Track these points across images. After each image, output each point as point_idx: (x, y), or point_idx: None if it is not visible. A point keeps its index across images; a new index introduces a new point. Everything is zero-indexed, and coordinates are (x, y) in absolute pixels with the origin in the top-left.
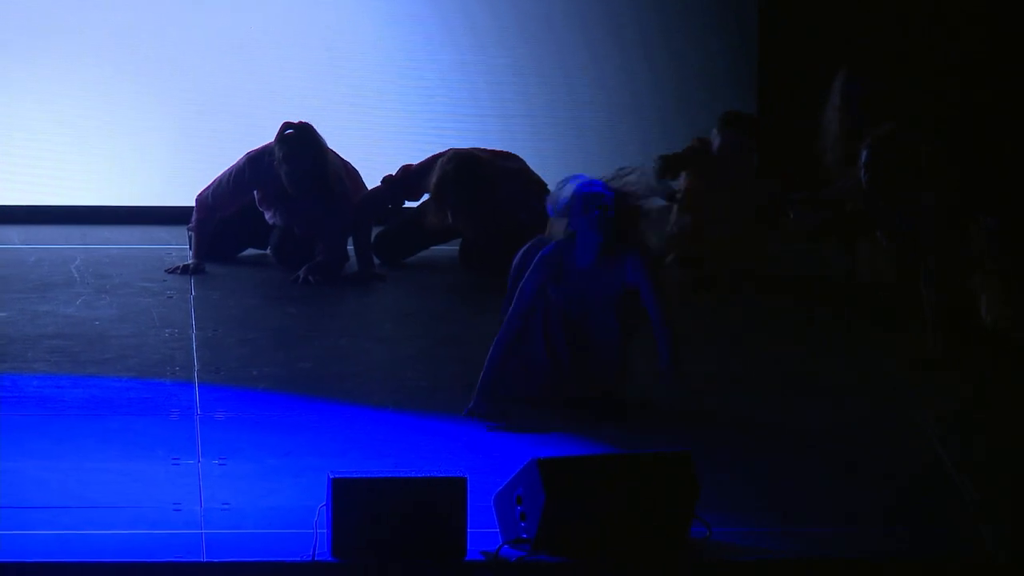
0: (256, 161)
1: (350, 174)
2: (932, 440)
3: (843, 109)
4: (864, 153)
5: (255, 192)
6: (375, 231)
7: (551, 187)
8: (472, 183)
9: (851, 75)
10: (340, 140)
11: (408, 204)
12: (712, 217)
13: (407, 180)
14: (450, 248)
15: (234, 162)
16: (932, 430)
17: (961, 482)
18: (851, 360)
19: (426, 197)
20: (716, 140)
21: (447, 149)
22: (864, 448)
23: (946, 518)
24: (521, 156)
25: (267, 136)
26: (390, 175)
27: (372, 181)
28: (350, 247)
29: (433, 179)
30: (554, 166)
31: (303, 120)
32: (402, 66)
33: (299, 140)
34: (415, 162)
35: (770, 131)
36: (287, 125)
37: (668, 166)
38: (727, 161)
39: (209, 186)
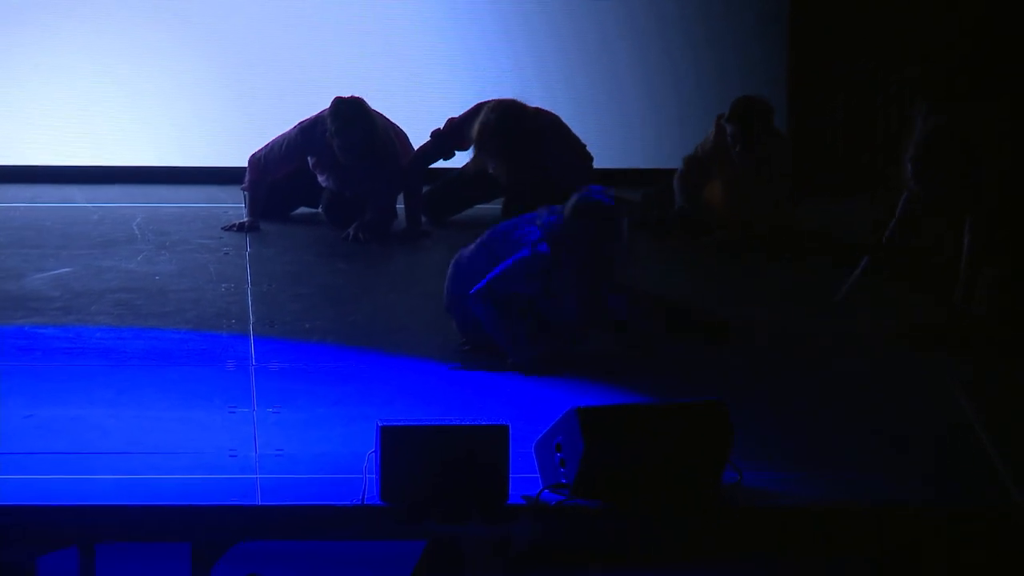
0: (308, 132)
1: (399, 136)
2: (958, 392)
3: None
4: (913, 160)
5: (308, 158)
6: (423, 189)
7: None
8: (513, 131)
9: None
10: (389, 104)
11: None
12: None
13: (453, 131)
14: (493, 207)
15: (288, 129)
16: (959, 383)
17: (987, 432)
18: (884, 317)
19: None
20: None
21: (489, 101)
22: (891, 398)
23: (973, 467)
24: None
25: (318, 98)
26: (437, 129)
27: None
28: (399, 205)
29: (475, 126)
30: (596, 145)
31: (354, 94)
32: (447, 29)
33: (350, 114)
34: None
35: (802, 124)
36: (338, 99)
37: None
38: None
39: (262, 149)
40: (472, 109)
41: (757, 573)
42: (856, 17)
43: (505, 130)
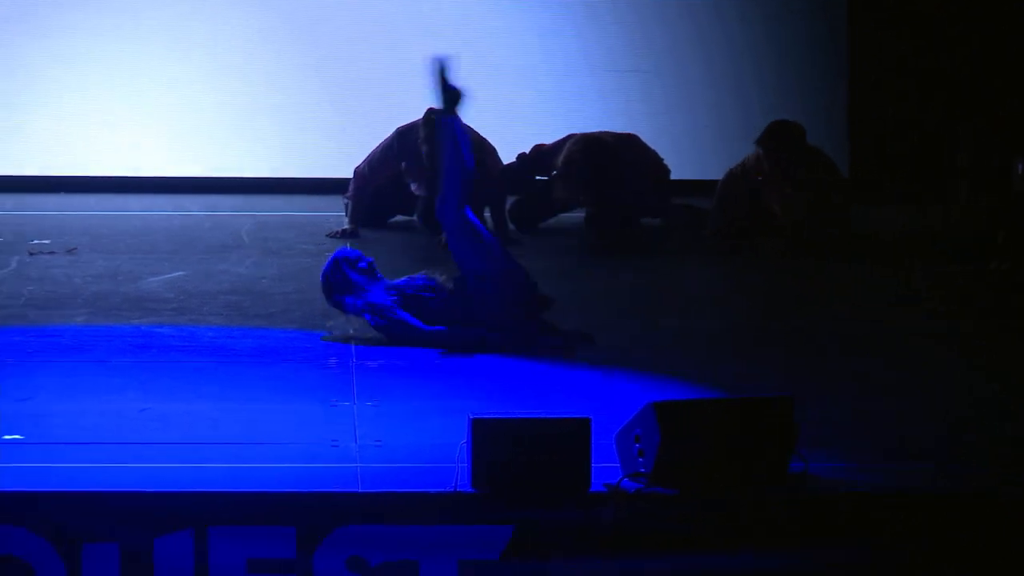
0: (404, 136)
1: (488, 150)
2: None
3: None
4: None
5: (402, 163)
6: (510, 200)
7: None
8: (595, 165)
9: None
10: (480, 120)
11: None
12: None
13: (539, 158)
14: (576, 216)
15: (388, 135)
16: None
17: None
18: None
19: (555, 173)
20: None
21: (575, 133)
22: (949, 391)
23: None
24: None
25: (416, 114)
26: (524, 153)
27: (507, 157)
28: (486, 214)
29: (561, 159)
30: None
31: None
32: (537, 52)
33: (438, 124)
34: (547, 142)
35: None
36: (431, 109)
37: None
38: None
39: (364, 160)
40: (558, 141)
41: (822, 556)
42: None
43: (588, 163)
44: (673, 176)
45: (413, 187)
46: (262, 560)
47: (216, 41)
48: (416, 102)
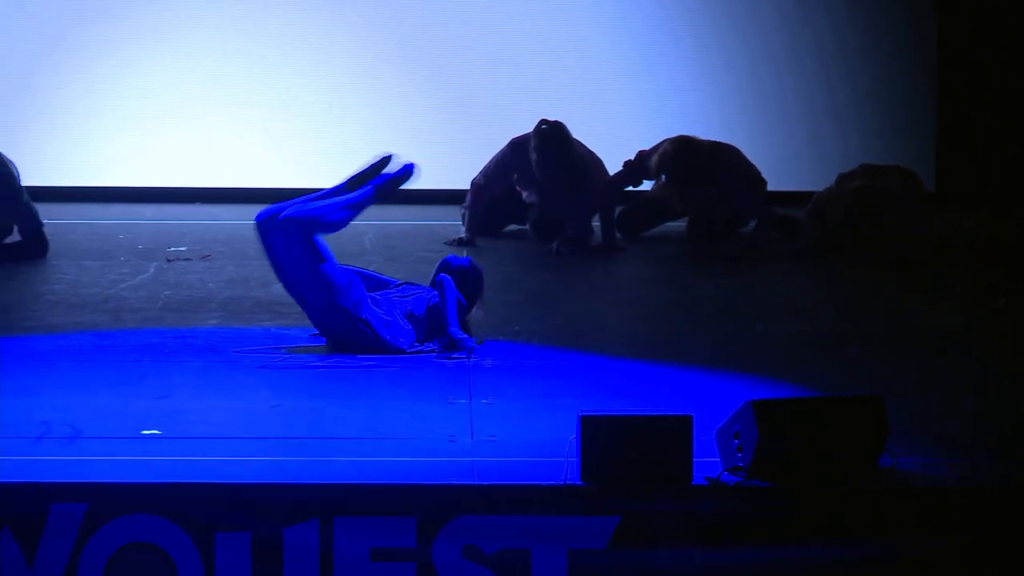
0: (518, 147)
1: (595, 162)
2: None
3: None
4: None
5: (515, 174)
6: (617, 209)
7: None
8: (687, 163)
9: None
10: (587, 134)
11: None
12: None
13: (641, 162)
14: (679, 224)
15: (502, 147)
16: None
17: None
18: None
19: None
20: None
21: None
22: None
23: None
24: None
25: (526, 129)
26: (629, 159)
27: (613, 168)
28: (596, 223)
29: (655, 157)
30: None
31: (557, 119)
32: (639, 65)
33: (549, 135)
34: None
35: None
36: (543, 121)
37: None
38: None
39: (481, 171)
40: (657, 144)
41: (910, 548)
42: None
43: (678, 161)
44: (770, 187)
45: (525, 196)
46: (383, 549)
47: (337, 54)
48: (528, 114)
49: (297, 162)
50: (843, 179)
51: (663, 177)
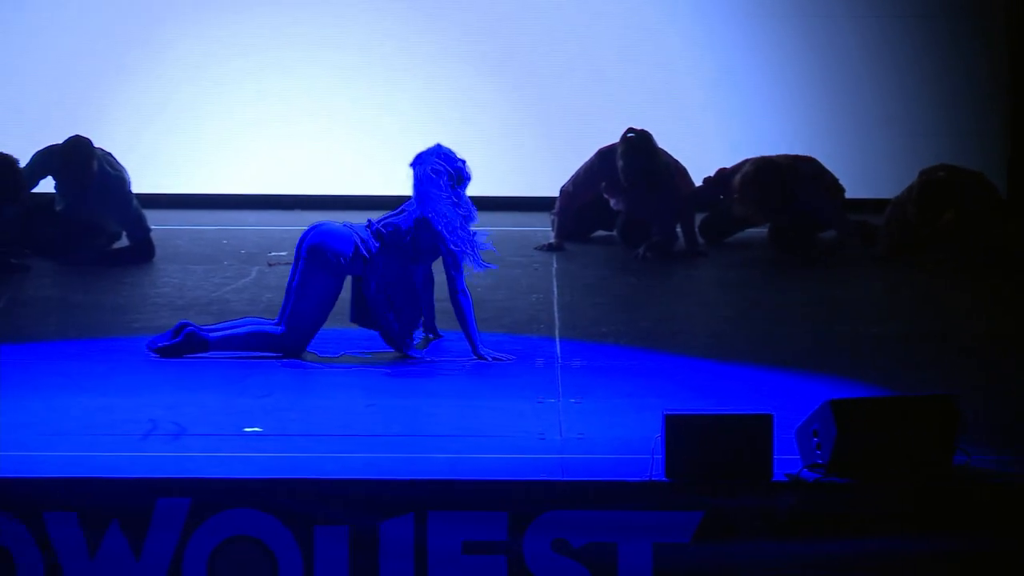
0: (605, 156)
1: (679, 171)
2: None
3: None
4: None
5: (603, 182)
6: (699, 217)
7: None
8: (767, 185)
9: None
10: (669, 143)
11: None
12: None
13: (721, 180)
14: (759, 231)
15: (590, 156)
16: None
17: None
18: None
19: (734, 196)
20: None
21: (751, 157)
22: None
23: None
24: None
25: (612, 138)
26: (709, 176)
27: (696, 177)
28: (679, 230)
29: (736, 180)
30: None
31: (643, 128)
32: (719, 77)
33: (635, 143)
34: (728, 166)
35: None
36: (630, 130)
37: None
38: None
39: (570, 179)
40: (738, 164)
41: (982, 543)
42: None
43: (758, 184)
44: (848, 194)
45: (612, 203)
46: (476, 542)
47: (431, 66)
48: (614, 124)
49: (389, 169)
50: (921, 173)
51: (746, 199)
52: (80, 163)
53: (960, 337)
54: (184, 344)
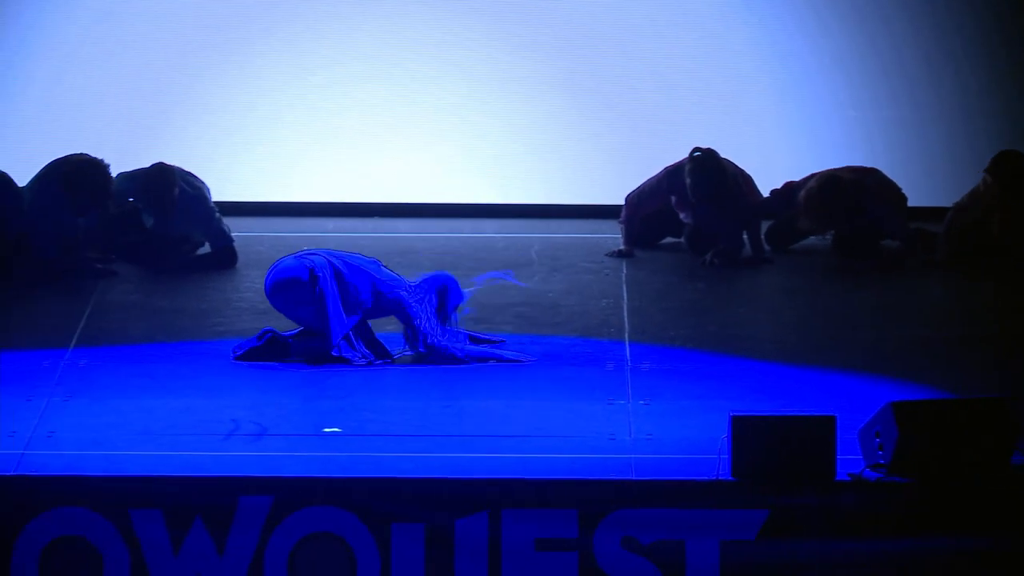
0: (673, 175)
1: (746, 181)
2: None
3: None
4: None
5: (672, 197)
6: (765, 225)
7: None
8: (832, 200)
9: None
10: (738, 154)
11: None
12: None
13: (788, 194)
14: (823, 239)
15: (658, 172)
16: None
17: None
18: None
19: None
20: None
21: (816, 172)
22: None
23: None
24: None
25: (681, 147)
26: (776, 189)
27: (762, 187)
28: (745, 237)
29: (801, 195)
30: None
31: (708, 135)
32: (787, 89)
33: (702, 161)
34: (795, 179)
35: None
36: (696, 149)
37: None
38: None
39: (636, 189)
40: (804, 178)
41: None
42: None
43: (823, 199)
44: (910, 203)
45: (682, 216)
46: (548, 539)
47: (511, 80)
48: (682, 132)
49: (465, 178)
50: (976, 190)
51: (810, 214)
52: (161, 191)
53: (1019, 340)
54: (266, 349)
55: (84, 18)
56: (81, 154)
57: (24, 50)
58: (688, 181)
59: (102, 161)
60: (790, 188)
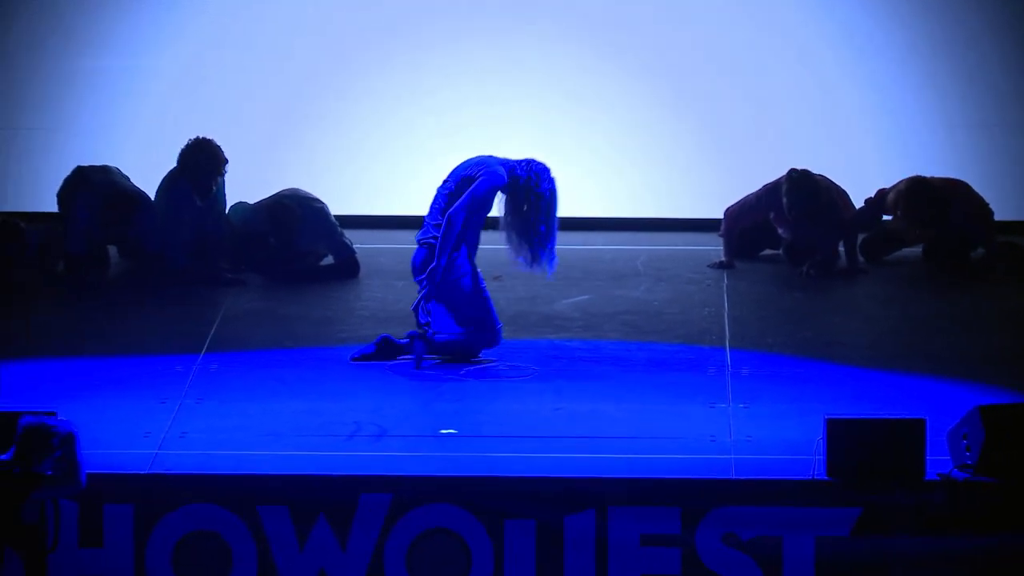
0: (771, 192)
1: (840, 195)
2: None
3: None
4: None
5: (770, 213)
6: (861, 236)
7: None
8: (920, 201)
9: None
10: (831, 168)
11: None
12: None
13: (880, 201)
14: (915, 250)
15: (757, 188)
16: None
17: None
18: None
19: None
20: None
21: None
22: None
23: None
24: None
25: (777, 162)
26: (870, 197)
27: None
28: (840, 248)
29: (891, 196)
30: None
31: (804, 167)
32: (878, 105)
33: (796, 180)
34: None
35: None
36: (793, 170)
37: None
38: None
39: (736, 203)
40: (897, 182)
41: None
42: None
43: (911, 199)
44: (996, 217)
45: (780, 231)
46: (652, 535)
47: (611, 95)
48: (778, 147)
49: (577, 193)
50: None
51: (899, 213)
52: (286, 224)
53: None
54: (379, 352)
55: (211, 33)
56: None
57: (147, 66)
58: (784, 200)
59: (212, 141)
60: (882, 195)
